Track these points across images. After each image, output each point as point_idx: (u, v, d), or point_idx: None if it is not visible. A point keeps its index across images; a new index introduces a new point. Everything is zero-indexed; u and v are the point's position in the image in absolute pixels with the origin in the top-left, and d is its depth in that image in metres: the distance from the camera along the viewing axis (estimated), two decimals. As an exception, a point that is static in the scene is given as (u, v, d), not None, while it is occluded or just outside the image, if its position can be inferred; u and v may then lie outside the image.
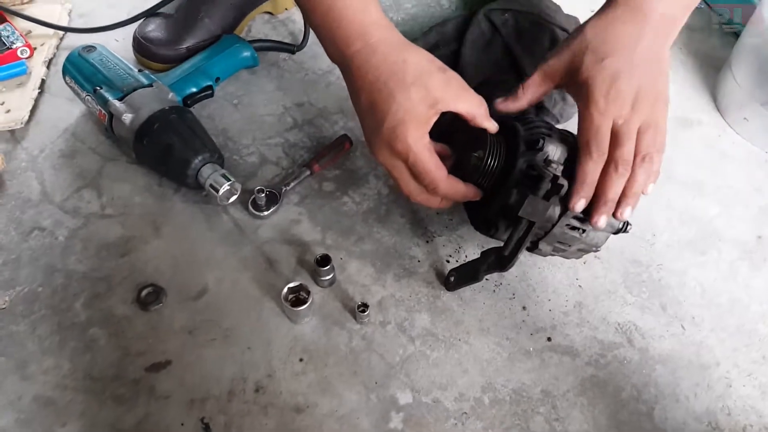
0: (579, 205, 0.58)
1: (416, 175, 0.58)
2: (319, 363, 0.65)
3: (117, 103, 0.73)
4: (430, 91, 0.55)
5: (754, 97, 0.83)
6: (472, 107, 0.58)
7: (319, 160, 0.77)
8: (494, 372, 0.65)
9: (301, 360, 0.65)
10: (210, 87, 0.82)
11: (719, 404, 0.65)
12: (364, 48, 0.57)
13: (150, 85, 0.76)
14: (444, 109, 0.56)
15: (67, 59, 0.79)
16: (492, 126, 0.59)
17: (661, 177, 0.81)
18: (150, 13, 0.86)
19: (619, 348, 0.68)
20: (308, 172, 0.77)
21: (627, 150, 0.57)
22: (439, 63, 0.58)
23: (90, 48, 0.80)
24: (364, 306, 0.66)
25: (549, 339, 0.68)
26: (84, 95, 0.77)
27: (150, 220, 0.74)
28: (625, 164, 0.57)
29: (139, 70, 0.79)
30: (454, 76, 0.58)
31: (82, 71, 0.77)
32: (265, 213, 0.74)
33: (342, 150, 0.79)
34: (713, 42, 0.99)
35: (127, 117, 0.72)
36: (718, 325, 0.70)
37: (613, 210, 0.59)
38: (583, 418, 0.63)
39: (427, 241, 0.74)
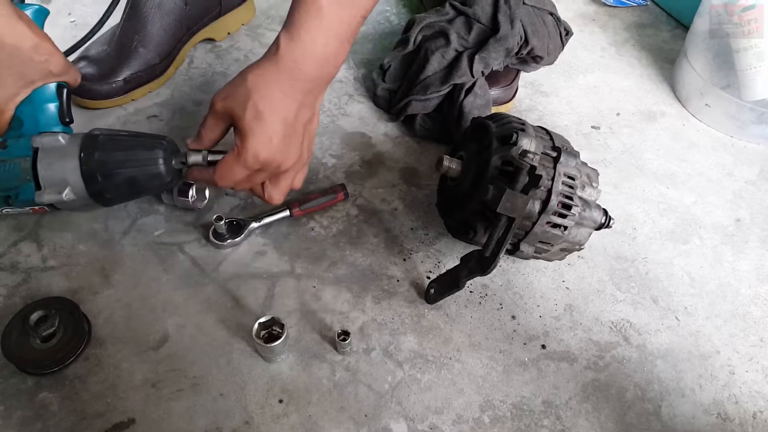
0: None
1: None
2: (301, 402, 0.64)
3: (45, 196, 0.64)
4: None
5: (713, 83, 0.89)
6: None
7: (303, 204, 0.76)
8: (491, 388, 0.66)
9: (280, 401, 0.64)
10: None
11: (725, 393, 0.67)
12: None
13: (36, 150, 0.64)
14: None
15: None
16: None
17: (633, 171, 0.87)
18: (79, 46, 0.83)
19: (616, 347, 0.70)
20: (287, 213, 0.76)
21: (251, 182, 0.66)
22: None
23: None
24: (345, 334, 0.65)
25: (543, 346, 0.69)
26: (2, 210, 0.69)
27: (98, 268, 0.72)
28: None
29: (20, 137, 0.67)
30: None
31: None
32: (228, 242, 0.73)
33: (334, 200, 0.78)
34: (663, 35, 1.06)
35: (67, 193, 0.65)
36: (711, 312, 0.73)
37: None
38: (589, 425, 0.64)
39: (404, 259, 0.75)
